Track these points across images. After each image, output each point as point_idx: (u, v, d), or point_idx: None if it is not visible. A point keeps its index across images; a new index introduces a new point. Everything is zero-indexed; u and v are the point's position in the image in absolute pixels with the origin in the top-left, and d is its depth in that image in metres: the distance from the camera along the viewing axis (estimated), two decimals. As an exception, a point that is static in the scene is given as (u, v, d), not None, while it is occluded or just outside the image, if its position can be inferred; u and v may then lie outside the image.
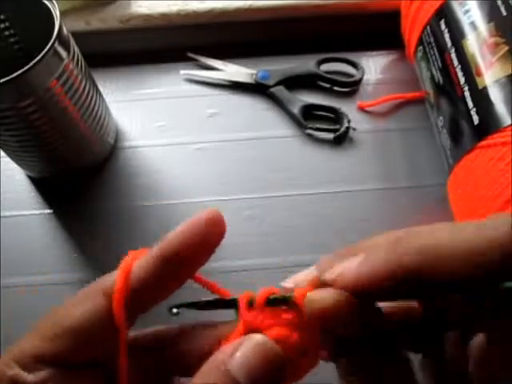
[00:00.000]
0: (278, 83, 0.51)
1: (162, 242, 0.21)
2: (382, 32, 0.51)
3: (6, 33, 0.42)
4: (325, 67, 0.53)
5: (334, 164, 0.48)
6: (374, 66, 0.54)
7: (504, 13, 0.39)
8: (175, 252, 0.20)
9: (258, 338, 0.19)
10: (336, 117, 0.49)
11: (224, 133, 0.50)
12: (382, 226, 0.43)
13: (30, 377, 0.19)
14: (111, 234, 0.44)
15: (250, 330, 0.20)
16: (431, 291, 0.17)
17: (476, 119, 0.38)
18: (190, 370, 0.19)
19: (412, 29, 0.47)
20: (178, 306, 0.21)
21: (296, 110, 0.49)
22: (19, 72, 0.34)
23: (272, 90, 0.51)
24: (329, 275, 0.18)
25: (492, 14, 0.39)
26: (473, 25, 0.40)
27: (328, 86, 0.52)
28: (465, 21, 0.41)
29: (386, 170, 0.47)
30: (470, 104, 0.39)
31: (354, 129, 0.48)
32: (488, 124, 0.37)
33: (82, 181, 0.47)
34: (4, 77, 0.34)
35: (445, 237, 0.16)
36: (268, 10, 0.52)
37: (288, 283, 0.20)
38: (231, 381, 0.18)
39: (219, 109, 0.51)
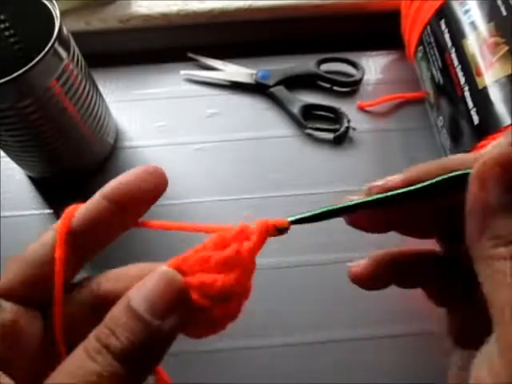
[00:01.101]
0: (277, 83, 0.51)
1: (104, 187, 0.22)
2: (382, 32, 0.51)
3: (6, 33, 0.42)
4: (325, 67, 0.53)
5: (334, 164, 0.48)
6: (373, 66, 0.54)
7: (504, 13, 0.39)
8: (115, 193, 0.22)
9: (159, 269, 0.19)
10: (336, 117, 0.49)
11: (224, 133, 0.50)
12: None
13: None
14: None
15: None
16: None
17: (476, 119, 0.38)
18: None
19: (412, 29, 0.47)
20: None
21: (296, 109, 0.49)
22: (19, 72, 0.34)
23: (272, 89, 0.51)
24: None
25: (492, 13, 0.39)
26: (473, 25, 0.40)
27: (328, 85, 0.52)
28: (465, 21, 0.41)
29: (385, 170, 0.47)
30: (470, 104, 0.39)
31: (354, 129, 0.48)
32: (488, 124, 0.37)
33: (82, 181, 0.47)
34: (4, 77, 0.34)
35: None
36: (268, 10, 0.52)
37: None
38: (131, 312, 0.18)
39: (219, 109, 0.51)
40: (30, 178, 0.48)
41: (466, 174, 0.18)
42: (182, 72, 0.53)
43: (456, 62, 0.41)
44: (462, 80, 0.40)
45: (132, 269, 0.23)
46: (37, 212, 0.46)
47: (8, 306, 0.20)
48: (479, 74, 0.39)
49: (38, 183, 0.47)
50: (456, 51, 0.41)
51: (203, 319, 0.20)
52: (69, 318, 0.21)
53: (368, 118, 0.50)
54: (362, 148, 0.48)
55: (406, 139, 0.49)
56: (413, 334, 0.39)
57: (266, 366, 0.38)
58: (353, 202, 0.21)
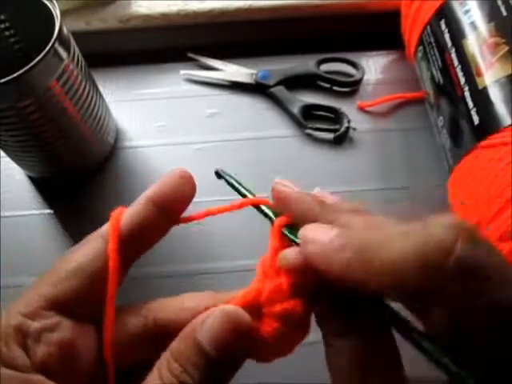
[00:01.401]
0: (278, 83, 0.51)
1: (147, 191, 0.23)
2: (382, 32, 0.51)
3: (6, 33, 0.42)
4: (325, 67, 0.53)
5: (334, 164, 0.47)
6: (373, 66, 0.54)
7: (504, 13, 0.39)
8: (158, 196, 0.23)
9: (226, 307, 0.19)
10: (336, 117, 0.49)
11: (224, 133, 0.50)
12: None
13: (34, 324, 0.20)
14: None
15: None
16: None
17: (476, 119, 0.38)
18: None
19: (412, 29, 0.47)
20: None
21: (296, 110, 0.49)
22: (19, 72, 0.34)
23: (272, 89, 0.51)
24: (304, 237, 0.20)
25: (492, 14, 0.39)
26: (473, 25, 0.40)
27: (328, 86, 0.52)
28: (465, 21, 0.41)
29: (385, 170, 0.47)
30: (470, 104, 0.39)
31: (354, 129, 0.48)
32: (488, 124, 0.37)
33: (82, 181, 0.47)
34: (4, 77, 0.34)
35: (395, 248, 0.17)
36: (268, 10, 0.52)
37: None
38: (198, 349, 0.18)
39: (219, 109, 0.51)
40: (30, 178, 0.47)
41: None
42: (182, 72, 0.53)
43: (456, 62, 0.41)
44: (462, 80, 0.40)
45: (187, 300, 0.23)
46: (37, 212, 0.46)
47: (67, 323, 0.20)
48: (479, 74, 0.39)
49: (38, 183, 0.47)
50: (456, 51, 0.41)
51: (279, 344, 0.21)
52: (120, 344, 0.21)
53: (368, 118, 0.50)
54: (361, 148, 0.48)
55: (406, 139, 0.49)
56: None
57: (266, 366, 0.38)
58: None
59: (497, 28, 0.39)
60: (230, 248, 0.43)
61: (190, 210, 0.46)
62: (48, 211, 0.46)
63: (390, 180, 0.46)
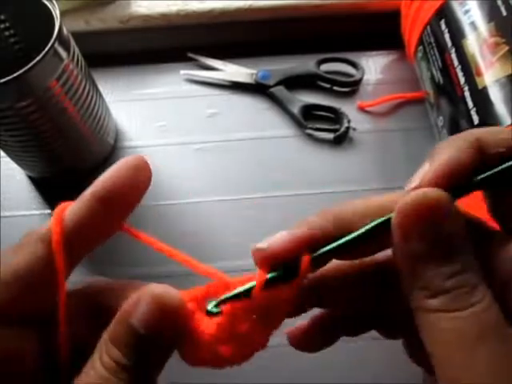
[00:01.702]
0: (278, 83, 0.51)
1: (92, 185, 0.21)
2: (382, 32, 0.51)
3: (6, 33, 0.42)
4: (325, 67, 0.53)
5: (334, 164, 0.47)
6: (373, 66, 0.54)
7: (504, 13, 0.38)
8: (105, 192, 0.20)
9: (156, 287, 0.19)
10: (336, 117, 0.49)
11: (224, 133, 0.50)
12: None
13: None
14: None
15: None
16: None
17: (476, 119, 0.38)
18: None
19: (412, 29, 0.47)
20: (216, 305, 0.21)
21: (296, 110, 0.49)
22: (19, 72, 0.34)
23: (272, 90, 0.51)
24: (413, 183, 0.19)
25: (492, 14, 0.39)
26: (473, 25, 0.40)
27: (328, 86, 0.52)
28: (465, 21, 0.41)
29: (386, 170, 0.47)
30: (470, 104, 0.39)
31: (354, 129, 0.48)
32: (488, 124, 0.37)
33: (82, 181, 0.46)
34: (4, 77, 0.34)
35: None
36: (268, 10, 0.52)
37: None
38: (130, 329, 0.18)
39: (219, 109, 0.51)
40: (30, 178, 0.47)
41: (389, 220, 0.18)
42: (182, 72, 0.53)
43: (456, 62, 0.41)
44: (462, 80, 0.40)
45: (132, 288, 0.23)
46: (37, 212, 0.46)
47: (4, 331, 0.19)
48: (479, 74, 0.38)
49: (38, 183, 0.47)
50: (456, 51, 0.41)
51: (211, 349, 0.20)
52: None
53: (368, 118, 0.50)
54: (362, 148, 0.48)
55: (406, 139, 0.49)
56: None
57: (266, 366, 0.38)
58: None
59: (497, 28, 0.38)
60: (230, 248, 0.43)
61: (190, 210, 0.46)
62: (48, 211, 0.46)
63: (390, 180, 0.46)
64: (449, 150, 0.19)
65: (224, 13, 0.52)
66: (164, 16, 0.52)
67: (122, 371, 0.18)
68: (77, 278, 0.44)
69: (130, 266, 0.42)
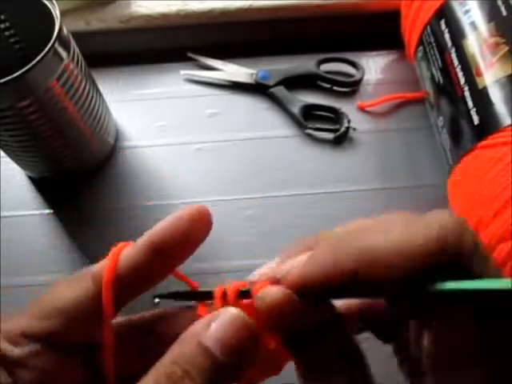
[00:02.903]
0: (278, 83, 0.51)
1: (150, 232, 0.21)
2: (381, 32, 0.51)
3: (6, 33, 0.42)
4: (325, 67, 0.53)
5: (334, 164, 0.47)
6: (373, 66, 0.54)
7: (504, 13, 0.39)
8: (162, 242, 0.21)
9: (233, 310, 0.19)
10: (336, 117, 0.49)
11: (224, 133, 0.50)
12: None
13: (16, 350, 0.19)
14: (111, 234, 0.44)
15: None
16: (369, 290, 0.18)
17: (476, 119, 0.38)
18: None
19: (412, 29, 0.47)
20: (159, 296, 0.22)
21: (296, 110, 0.49)
22: (19, 72, 0.34)
23: (272, 90, 0.51)
24: (279, 272, 0.19)
25: (492, 14, 0.39)
26: (473, 25, 0.40)
27: (328, 86, 0.52)
28: (465, 21, 0.41)
29: (386, 170, 0.47)
30: (470, 104, 0.39)
31: (354, 129, 0.48)
32: (488, 124, 0.37)
33: (82, 181, 0.47)
34: (4, 77, 0.34)
35: (380, 239, 0.17)
36: (268, 10, 0.52)
37: (253, 276, 0.21)
38: (205, 352, 0.17)
39: (219, 109, 0.51)
40: (30, 178, 0.48)
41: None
42: (182, 72, 0.53)
43: (456, 62, 0.41)
44: (462, 80, 0.40)
45: (186, 313, 0.23)
46: (37, 212, 0.46)
47: (47, 351, 0.20)
48: (479, 74, 0.39)
49: (38, 183, 0.47)
50: (456, 51, 0.41)
51: (265, 362, 0.20)
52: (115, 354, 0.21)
53: (368, 118, 0.50)
54: (362, 148, 0.48)
55: (406, 139, 0.49)
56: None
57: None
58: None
59: (497, 28, 0.38)
60: (230, 248, 0.43)
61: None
62: (48, 211, 0.46)
63: (390, 180, 0.46)
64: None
65: (224, 13, 0.52)
66: (164, 16, 0.52)
67: None
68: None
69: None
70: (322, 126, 0.49)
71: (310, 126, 0.49)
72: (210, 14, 0.52)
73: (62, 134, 0.41)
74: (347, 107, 0.50)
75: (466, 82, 0.40)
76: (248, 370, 0.19)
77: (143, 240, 0.21)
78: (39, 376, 0.20)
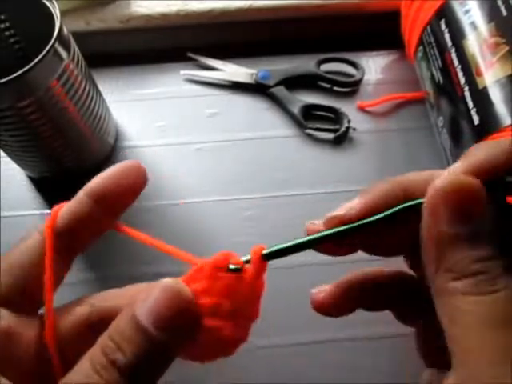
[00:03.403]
0: (278, 83, 0.51)
1: (88, 183, 0.22)
2: (381, 32, 0.51)
3: (6, 33, 0.42)
4: (325, 67, 0.53)
5: (334, 164, 0.47)
6: (374, 66, 0.54)
7: (504, 13, 0.38)
8: (97, 191, 0.22)
9: (167, 281, 0.18)
10: (336, 117, 0.49)
11: (224, 133, 0.50)
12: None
13: None
14: (111, 233, 0.44)
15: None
16: None
17: (476, 119, 0.38)
18: None
19: (412, 29, 0.47)
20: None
21: (296, 110, 0.49)
22: (19, 72, 0.34)
23: (272, 90, 0.51)
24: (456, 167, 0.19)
25: (492, 14, 0.39)
26: (473, 25, 0.40)
27: (328, 86, 0.52)
28: (465, 21, 0.41)
29: (386, 170, 0.47)
30: (470, 104, 0.39)
31: (354, 129, 0.48)
32: (488, 124, 0.37)
33: (82, 181, 0.47)
34: (4, 77, 0.34)
35: None
36: (268, 10, 0.52)
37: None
38: (136, 325, 0.17)
39: (219, 109, 0.51)
40: (30, 178, 0.47)
41: (421, 203, 0.18)
42: (182, 72, 0.53)
43: (456, 62, 0.41)
44: (462, 80, 0.40)
45: (131, 289, 0.23)
46: (37, 212, 0.46)
47: (3, 313, 0.20)
48: (479, 74, 0.38)
49: (38, 183, 0.47)
50: (456, 51, 0.41)
51: (211, 341, 0.19)
52: (63, 332, 0.21)
53: (368, 118, 0.50)
54: (362, 148, 0.48)
55: (406, 139, 0.49)
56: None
57: (265, 366, 0.38)
58: (318, 235, 0.21)
59: (497, 28, 0.38)
60: (230, 248, 0.43)
61: (190, 210, 0.46)
62: (48, 211, 0.46)
63: (390, 180, 0.46)
64: (486, 149, 0.19)
65: (224, 13, 0.52)
66: (164, 16, 0.52)
67: (113, 370, 0.17)
68: (77, 278, 0.44)
69: (127, 265, 0.42)
70: (322, 126, 0.49)
71: (310, 126, 0.49)
72: (210, 14, 0.52)
73: (62, 134, 0.41)
74: (347, 107, 0.50)
75: (466, 81, 0.40)
76: (190, 347, 0.19)
77: (81, 191, 0.22)
78: None
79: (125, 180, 0.22)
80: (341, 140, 0.48)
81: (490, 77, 0.38)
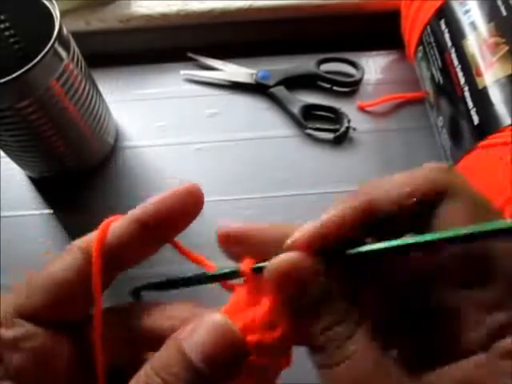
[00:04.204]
0: (278, 83, 0.51)
1: (140, 206, 0.22)
2: (382, 32, 0.51)
3: (6, 33, 0.42)
4: (325, 67, 0.53)
5: (334, 164, 0.47)
6: (374, 66, 0.54)
7: (504, 13, 0.38)
8: (147, 217, 0.21)
9: (216, 316, 0.18)
10: (336, 117, 0.49)
11: (224, 133, 0.50)
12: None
13: (8, 332, 0.19)
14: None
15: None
16: (379, 221, 0.19)
17: (476, 119, 0.38)
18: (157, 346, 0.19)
19: (412, 29, 0.47)
20: (134, 292, 0.22)
21: (296, 110, 0.49)
22: (19, 72, 0.34)
23: (272, 90, 0.51)
24: (290, 239, 0.19)
25: (492, 14, 0.39)
26: (473, 25, 0.40)
27: (328, 86, 0.52)
28: (465, 21, 0.41)
29: (385, 170, 0.47)
30: (470, 104, 0.39)
31: (354, 129, 0.48)
32: (488, 124, 0.37)
33: (82, 181, 0.47)
34: (4, 77, 0.34)
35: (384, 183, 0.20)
36: (268, 10, 0.52)
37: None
38: (185, 361, 0.17)
39: (219, 109, 0.51)
40: (30, 178, 0.47)
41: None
42: (182, 72, 0.53)
43: (456, 62, 0.41)
44: (462, 80, 0.40)
45: (176, 308, 0.22)
46: (37, 212, 0.46)
47: (38, 331, 0.20)
48: (479, 74, 0.38)
49: (38, 183, 0.47)
50: (456, 51, 0.41)
51: (256, 374, 0.19)
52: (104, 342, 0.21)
53: (368, 118, 0.50)
54: (362, 148, 0.48)
55: (406, 139, 0.49)
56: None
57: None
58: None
59: (497, 28, 0.38)
60: (230, 248, 0.43)
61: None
62: (48, 211, 0.46)
63: (390, 180, 0.46)
64: (334, 212, 0.19)
65: (224, 13, 0.52)
66: (164, 16, 0.52)
67: None
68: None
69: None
70: (322, 125, 0.49)
71: (310, 126, 0.49)
72: (209, 14, 0.52)
73: (62, 134, 0.41)
74: (347, 107, 0.50)
75: (465, 82, 0.40)
76: (233, 382, 0.18)
77: (132, 213, 0.21)
78: (30, 357, 0.19)
79: (178, 205, 0.22)
80: (341, 140, 0.48)
81: (490, 77, 0.38)
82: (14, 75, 0.34)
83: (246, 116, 0.51)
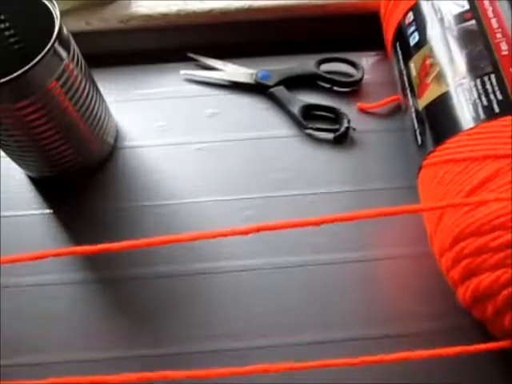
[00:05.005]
0: (278, 83, 0.51)
1: None
2: (382, 32, 0.51)
3: (6, 33, 0.42)
4: (325, 67, 0.53)
5: (334, 164, 0.47)
6: (374, 66, 0.54)
7: (439, 32, 0.39)
8: None
9: None
10: (336, 117, 0.49)
11: (224, 133, 0.50)
12: (382, 226, 0.43)
13: None
14: (111, 234, 0.44)
15: None
16: None
17: (419, 140, 0.40)
18: None
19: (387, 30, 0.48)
20: None
21: (296, 110, 0.49)
22: (19, 72, 0.34)
23: (272, 90, 0.51)
24: None
25: (428, 34, 0.40)
26: (416, 46, 0.41)
27: (328, 86, 0.52)
28: (411, 42, 0.42)
29: (386, 170, 0.47)
30: (416, 124, 0.40)
31: (354, 129, 0.48)
32: (424, 148, 0.39)
33: (82, 181, 0.47)
34: (4, 77, 0.34)
35: None
36: (268, 10, 0.52)
37: None
38: None
39: (219, 109, 0.51)
40: (30, 177, 0.48)
41: None
42: (182, 72, 0.53)
43: (406, 84, 0.42)
44: (410, 101, 0.41)
45: None
46: (37, 212, 0.46)
47: None
48: (419, 96, 0.40)
49: (38, 183, 0.47)
50: (406, 73, 0.42)
51: None
52: None
53: (368, 118, 0.50)
54: (362, 148, 0.48)
55: (406, 139, 0.49)
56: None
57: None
58: None
59: (430, 48, 0.39)
60: (230, 248, 0.43)
61: (190, 210, 0.46)
62: (48, 211, 0.46)
63: (390, 180, 0.46)
64: None
65: (224, 13, 0.52)
66: (164, 16, 0.52)
67: None
68: (77, 278, 0.44)
69: (127, 266, 0.42)
70: (322, 126, 0.49)
71: (310, 126, 0.49)
72: (210, 13, 0.52)
73: (62, 134, 0.41)
74: (347, 107, 0.50)
75: (412, 103, 0.41)
76: None
77: None
78: None
79: None
80: (341, 140, 0.48)
81: (423, 101, 0.39)
82: (13, 75, 0.34)
83: (245, 116, 0.51)
